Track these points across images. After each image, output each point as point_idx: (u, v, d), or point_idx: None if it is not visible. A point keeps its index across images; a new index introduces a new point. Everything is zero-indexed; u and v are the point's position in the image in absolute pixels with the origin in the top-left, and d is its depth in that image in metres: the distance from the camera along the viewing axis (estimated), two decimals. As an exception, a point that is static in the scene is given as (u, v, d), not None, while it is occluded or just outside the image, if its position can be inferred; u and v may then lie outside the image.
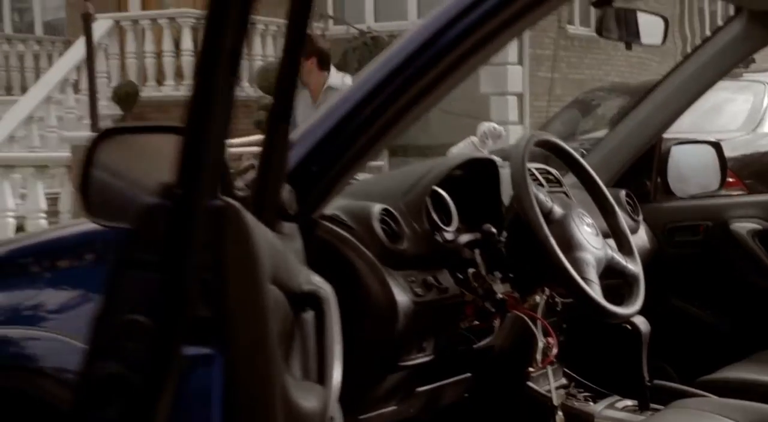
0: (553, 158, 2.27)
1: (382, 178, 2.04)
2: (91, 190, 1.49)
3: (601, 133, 7.93)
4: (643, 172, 2.67)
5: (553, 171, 2.30)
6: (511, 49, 12.27)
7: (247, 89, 11.68)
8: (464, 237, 1.96)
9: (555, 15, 13.17)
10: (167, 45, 11.25)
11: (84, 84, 11.03)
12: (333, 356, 1.29)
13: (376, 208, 1.81)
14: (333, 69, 5.69)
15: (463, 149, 2.66)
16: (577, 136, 7.82)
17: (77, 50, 11.08)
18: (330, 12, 12.72)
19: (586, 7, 13.89)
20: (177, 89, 11.24)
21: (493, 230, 1.94)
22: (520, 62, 12.57)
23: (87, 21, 8.75)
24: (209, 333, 0.99)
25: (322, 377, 1.28)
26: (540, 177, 2.19)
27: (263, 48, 11.97)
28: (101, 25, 10.70)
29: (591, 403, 2.15)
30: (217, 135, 1.03)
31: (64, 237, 2.16)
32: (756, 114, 7.13)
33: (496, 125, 2.87)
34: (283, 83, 1.46)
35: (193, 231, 0.94)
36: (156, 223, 0.95)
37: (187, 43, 11.14)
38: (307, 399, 1.13)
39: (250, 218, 1.04)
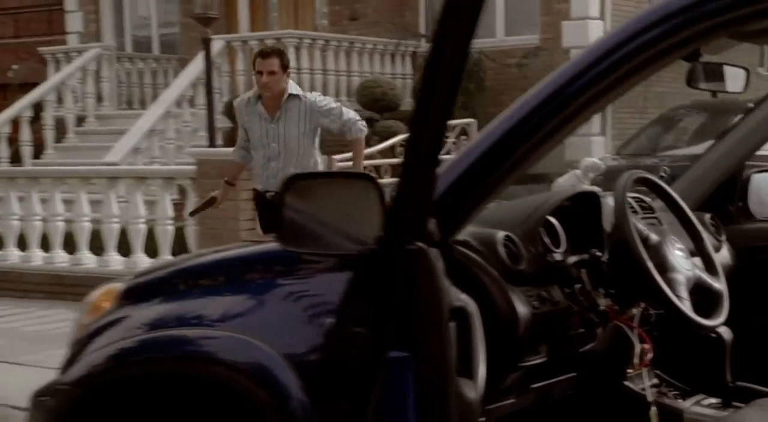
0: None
1: (503, 207, 2.29)
2: (283, 224, 1.81)
3: (679, 151, 8.01)
4: (726, 197, 2.87)
5: (646, 199, 2.54)
6: (594, 63, 12.31)
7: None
8: (572, 259, 2.22)
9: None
10: (273, 63, 11.67)
11: (198, 99, 11.56)
12: (479, 358, 1.57)
13: (500, 234, 2.08)
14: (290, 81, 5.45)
15: (567, 180, 2.87)
16: (657, 152, 7.92)
17: (192, 69, 11.62)
18: (422, 31, 12.99)
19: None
20: (282, 104, 11.66)
21: (599, 253, 2.19)
22: (603, 75, 12.56)
23: (207, 44, 9.22)
24: (406, 342, 1.29)
25: (469, 373, 1.57)
26: (635, 205, 2.43)
27: (360, 65, 12.32)
28: (215, 46, 11.14)
29: (680, 400, 2.33)
30: (422, 189, 1.32)
31: (233, 257, 2.49)
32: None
33: (596, 160, 3.05)
34: (434, 128, 1.68)
35: (395, 270, 1.24)
36: (369, 263, 1.25)
37: (291, 61, 11.49)
38: (468, 391, 1.42)
39: (434, 256, 1.33)
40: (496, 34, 12.68)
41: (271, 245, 2.44)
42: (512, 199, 2.41)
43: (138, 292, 2.42)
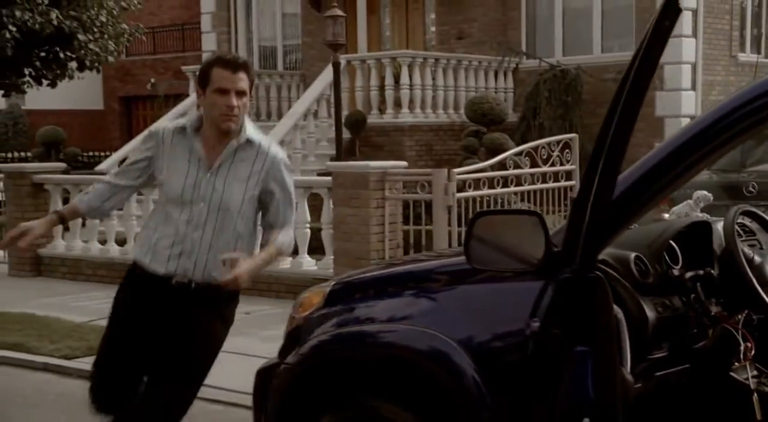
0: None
1: (632, 232, 2.68)
2: (471, 250, 2.28)
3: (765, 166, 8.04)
4: None
5: (748, 223, 2.91)
6: (685, 76, 12.42)
7: (452, 115, 12.53)
8: (688, 274, 2.62)
9: (726, 43, 13.21)
10: (388, 80, 12.15)
11: (321, 113, 12.21)
12: (627, 351, 2.01)
13: (632, 255, 2.51)
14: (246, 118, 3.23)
15: (682, 208, 3.20)
16: (746, 168, 8.03)
17: (317, 85, 12.27)
18: (524, 48, 13.31)
19: (757, 35, 13.81)
20: (396, 117, 12.16)
21: (713, 271, 2.59)
22: (693, 88, 12.65)
23: (336, 67, 9.80)
24: (587, 340, 1.74)
25: (621, 362, 2.00)
26: (739, 230, 2.80)
27: (466, 80, 12.73)
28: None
29: None
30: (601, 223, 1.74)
31: (415, 269, 2.95)
32: None
33: (706, 192, 3.37)
34: (613, 154, 1.96)
35: (580, 293, 1.69)
36: (560, 285, 1.70)
37: (405, 78, 12.03)
38: (626, 374, 1.86)
39: (610, 281, 1.77)
40: (593, 50, 12.92)
41: (445, 261, 2.91)
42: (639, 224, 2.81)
43: (339, 294, 2.92)
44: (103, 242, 9.06)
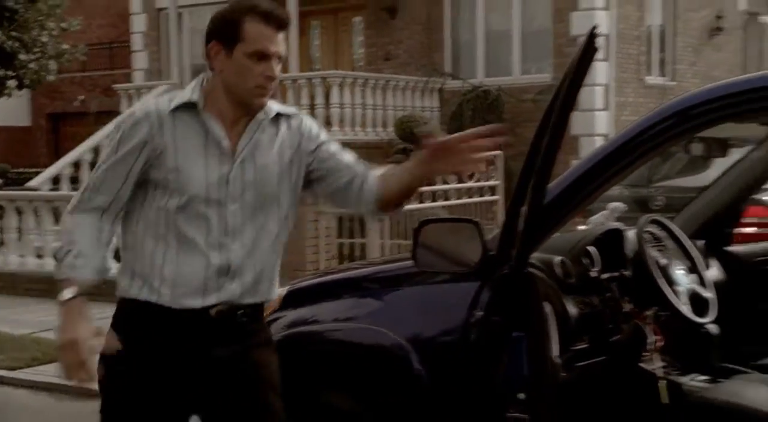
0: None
1: (557, 239, 2.93)
2: (418, 254, 2.52)
3: (672, 182, 8.53)
4: (727, 223, 3.47)
5: (656, 232, 3.22)
6: (599, 97, 12.99)
7: (380, 133, 12.81)
8: (604, 275, 2.89)
9: (635, 67, 13.85)
10: (319, 99, 12.37)
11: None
12: (555, 341, 2.28)
13: (556, 258, 2.78)
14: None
15: (599, 218, 3.42)
16: (653, 183, 8.51)
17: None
18: (448, 69, 13.71)
19: (662, 60, 14.52)
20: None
21: (626, 273, 2.88)
22: (606, 108, 13.22)
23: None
24: (522, 327, 1.99)
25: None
26: (649, 237, 3.10)
27: (394, 100, 13.04)
28: (269, 84, 11.88)
29: (681, 377, 2.79)
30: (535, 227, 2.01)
31: (362, 274, 3.17)
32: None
33: (621, 204, 3.62)
34: (544, 167, 2.19)
35: (516, 286, 1.94)
36: (499, 280, 1.95)
37: (335, 97, 12.27)
38: (554, 358, 2.12)
39: (540, 278, 2.03)
40: (513, 72, 13.40)
41: (385, 266, 3.15)
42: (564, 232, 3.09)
43: (292, 298, 3.12)
44: (39, 256, 9.00)
